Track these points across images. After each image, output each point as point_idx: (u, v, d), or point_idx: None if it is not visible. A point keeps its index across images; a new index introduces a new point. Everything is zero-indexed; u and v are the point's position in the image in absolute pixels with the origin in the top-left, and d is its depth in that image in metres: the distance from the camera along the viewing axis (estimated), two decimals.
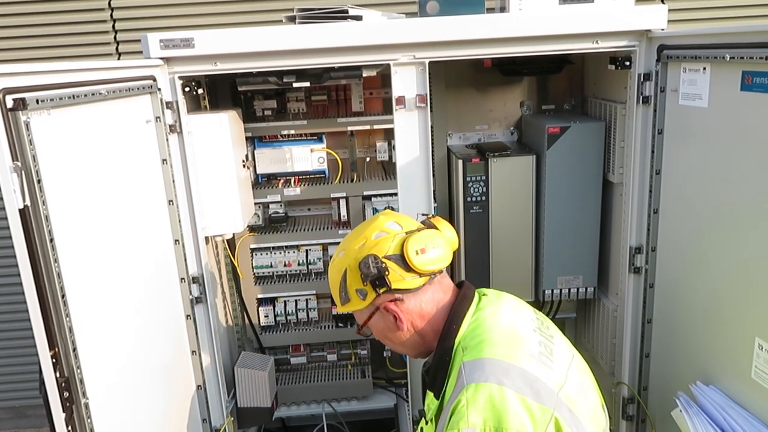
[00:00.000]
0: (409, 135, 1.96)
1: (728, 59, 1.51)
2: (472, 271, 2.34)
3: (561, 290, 2.34)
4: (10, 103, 1.16)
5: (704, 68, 1.64)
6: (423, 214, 1.59)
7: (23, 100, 1.18)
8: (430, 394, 1.39)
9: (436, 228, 1.48)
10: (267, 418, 2.42)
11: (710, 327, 1.70)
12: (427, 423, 1.42)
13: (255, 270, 2.58)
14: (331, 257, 2.56)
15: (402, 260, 1.38)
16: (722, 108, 1.59)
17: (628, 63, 1.92)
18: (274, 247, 2.57)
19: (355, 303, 1.45)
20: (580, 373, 1.39)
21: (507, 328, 1.36)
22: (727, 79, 1.55)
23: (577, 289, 2.34)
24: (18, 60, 2.91)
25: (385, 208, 2.50)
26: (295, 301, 2.62)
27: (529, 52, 1.89)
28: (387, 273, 1.37)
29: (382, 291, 1.39)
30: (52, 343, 1.24)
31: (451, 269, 2.57)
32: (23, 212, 1.17)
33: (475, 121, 2.58)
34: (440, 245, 1.43)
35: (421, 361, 2.15)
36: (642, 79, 1.89)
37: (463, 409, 1.20)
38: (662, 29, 1.85)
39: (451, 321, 1.39)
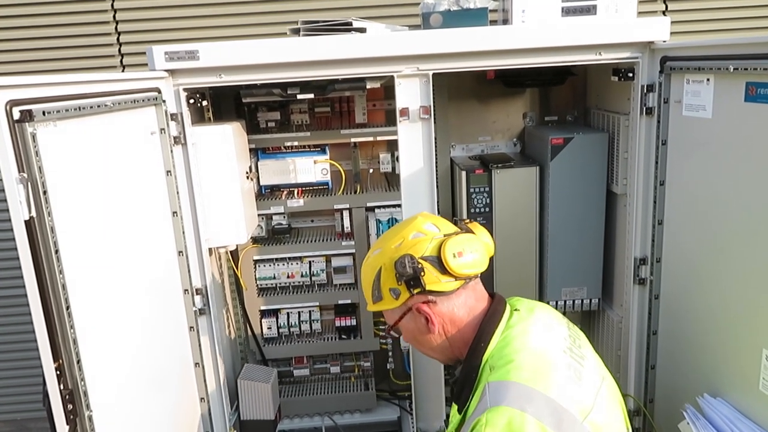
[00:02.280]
0: (413, 146, 1.96)
1: (732, 70, 1.52)
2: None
3: (565, 301, 2.33)
4: (16, 115, 1.16)
5: (708, 79, 1.64)
6: (460, 219, 1.57)
7: (30, 111, 1.18)
8: (454, 407, 1.38)
9: (472, 233, 1.47)
10: (270, 431, 2.41)
11: (717, 338, 1.69)
12: None
13: (258, 281, 2.57)
14: (334, 268, 2.58)
15: (438, 262, 1.37)
16: (726, 119, 1.59)
17: (631, 74, 1.93)
18: (277, 259, 2.57)
19: (387, 302, 1.44)
20: (609, 397, 1.35)
21: (535, 351, 1.32)
22: (731, 90, 1.55)
23: (582, 301, 2.34)
24: (23, 72, 2.93)
25: (388, 220, 2.50)
26: (299, 312, 2.62)
27: (532, 63, 1.90)
28: (422, 274, 1.36)
29: (416, 292, 1.38)
30: (56, 355, 1.23)
31: None
32: (29, 223, 1.17)
33: (478, 133, 2.59)
34: (477, 249, 1.42)
35: (429, 374, 2.14)
36: (645, 91, 1.89)
37: (481, 429, 1.19)
38: (665, 41, 1.86)
39: (480, 338, 1.37)
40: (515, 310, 1.45)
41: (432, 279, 1.37)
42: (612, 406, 1.35)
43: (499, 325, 1.39)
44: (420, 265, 1.36)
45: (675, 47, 1.81)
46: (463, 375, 1.38)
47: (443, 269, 1.37)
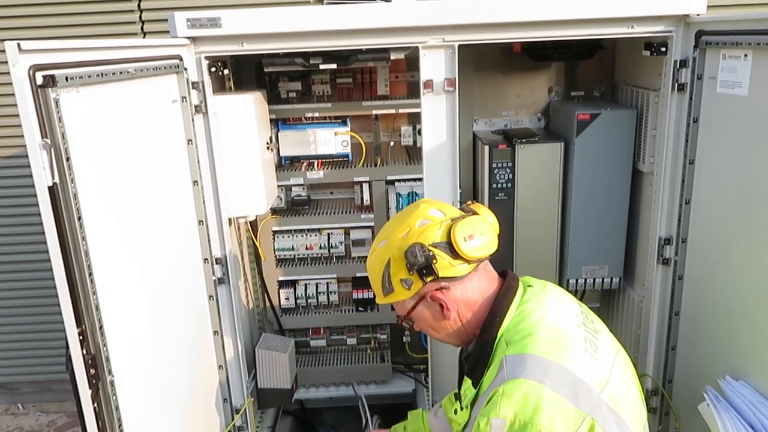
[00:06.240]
0: (436, 119, 1.93)
1: None
2: (496, 259, 2.31)
3: (585, 280, 2.31)
4: (39, 80, 1.15)
5: (745, 55, 1.58)
6: (461, 202, 1.55)
7: (53, 77, 1.17)
8: (467, 381, 1.37)
9: (477, 214, 1.44)
10: (287, 400, 2.44)
11: (740, 320, 1.66)
12: (462, 408, 1.41)
13: (277, 252, 2.58)
14: (352, 241, 2.58)
15: (449, 247, 1.35)
16: (763, 97, 1.53)
17: (663, 49, 1.87)
18: (296, 230, 2.57)
19: (399, 293, 1.41)
20: (624, 370, 1.35)
21: (552, 324, 1.32)
22: None
23: (602, 279, 2.31)
24: (44, 38, 2.92)
25: (409, 194, 2.48)
26: (316, 284, 2.63)
27: (561, 36, 1.85)
28: (435, 261, 1.34)
29: (429, 280, 1.36)
30: (79, 321, 1.24)
31: None
32: (52, 190, 1.17)
33: (501, 107, 2.54)
34: (486, 231, 1.40)
35: (446, 348, 2.14)
36: (678, 66, 1.83)
37: (498, 400, 1.20)
38: (700, 14, 1.79)
39: (495, 313, 1.37)
40: (528, 286, 1.45)
41: (444, 265, 1.35)
42: (627, 379, 1.35)
43: (513, 301, 1.39)
44: (431, 253, 1.34)
45: (711, 21, 1.75)
46: (477, 349, 1.37)
47: (455, 254, 1.35)
